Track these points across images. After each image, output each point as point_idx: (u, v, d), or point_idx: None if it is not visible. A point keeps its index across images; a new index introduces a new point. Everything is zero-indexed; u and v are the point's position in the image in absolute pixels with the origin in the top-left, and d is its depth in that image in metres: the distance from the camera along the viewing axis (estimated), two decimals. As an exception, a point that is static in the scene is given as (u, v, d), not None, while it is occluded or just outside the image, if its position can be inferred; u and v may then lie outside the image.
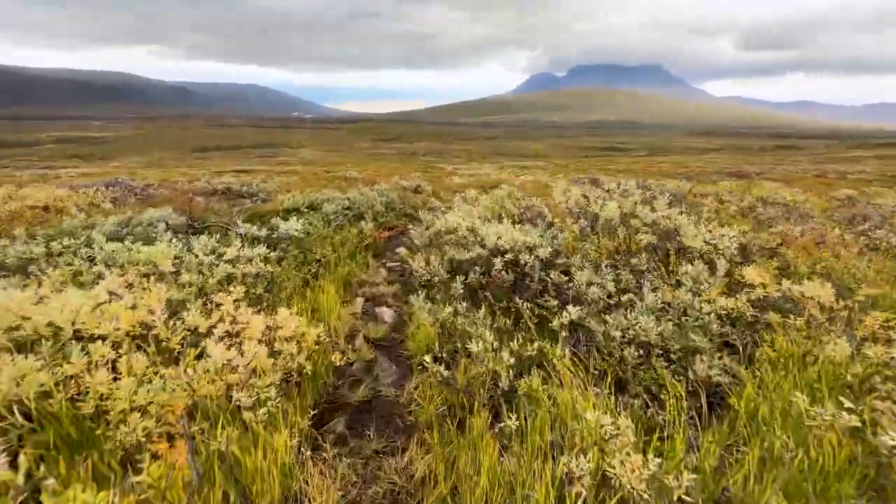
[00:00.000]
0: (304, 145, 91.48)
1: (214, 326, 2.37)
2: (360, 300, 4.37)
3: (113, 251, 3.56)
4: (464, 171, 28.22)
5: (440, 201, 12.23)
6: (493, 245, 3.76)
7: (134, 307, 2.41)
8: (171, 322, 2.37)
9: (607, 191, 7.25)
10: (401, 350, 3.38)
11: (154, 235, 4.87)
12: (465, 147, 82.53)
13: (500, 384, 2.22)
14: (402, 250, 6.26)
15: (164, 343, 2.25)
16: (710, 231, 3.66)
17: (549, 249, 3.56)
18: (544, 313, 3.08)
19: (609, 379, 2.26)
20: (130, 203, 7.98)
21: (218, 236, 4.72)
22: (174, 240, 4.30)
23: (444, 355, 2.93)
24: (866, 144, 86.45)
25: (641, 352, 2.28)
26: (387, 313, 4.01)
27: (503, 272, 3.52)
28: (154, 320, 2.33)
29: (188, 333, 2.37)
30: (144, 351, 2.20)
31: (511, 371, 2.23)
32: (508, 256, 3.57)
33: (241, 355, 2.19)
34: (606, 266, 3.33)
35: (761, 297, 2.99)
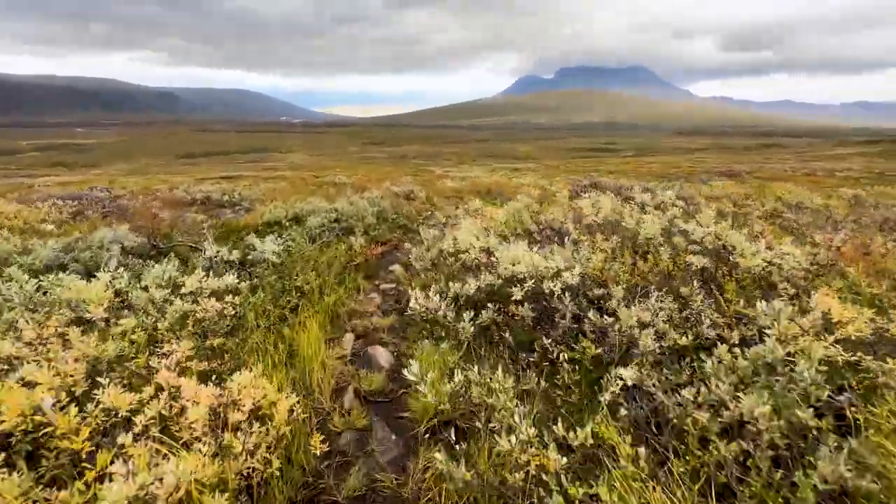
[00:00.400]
0: (293, 150, 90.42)
1: (141, 409, 1.70)
2: (349, 337, 3.69)
3: (38, 288, 2.83)
4: (455, 173, 27.62)
5: (434, 208, 11.57)
6: (509, 272, 3.10)
7: (31, 384, 1.72)
8: (81, 406, 1.69)
9: (627, 199, 6.64)
10: (401, 409, 2.70)
11: (107, 261, 4.15)
12: (455, 150, 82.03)
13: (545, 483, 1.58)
14: (397, 269, 5.65)
15: (61, 444, 1.55)
16: (769, 248, 3.03)
17: (578, 275, 2.92)
18: (581, 358, 2.45)
19: (699, 482, 1.62)
20: (93, 218, 7.18)
21: (180, 262, 4.02)
22: (124, 268, 3.56)
23: (459, 421, 2.28)
24: (847, 142, 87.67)
25: (742, 445, 1.63)
26: (382, 355, 3.34)
27: (523, 306, 2.88)
28: (54, 402, 1.64)
29: (104, 422, 1.69)
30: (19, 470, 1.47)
31: (561, 473, 1.58)
32: (530, 284, 2.90)
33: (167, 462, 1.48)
34: (654, 296, 2.68)
35: (852, 336, 2.39)
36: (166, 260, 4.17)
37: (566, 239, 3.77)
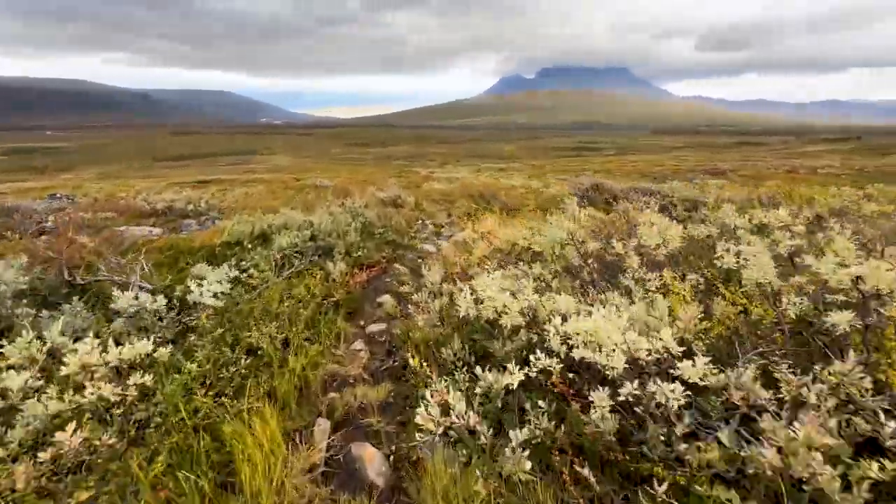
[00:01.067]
0: (275, 151, 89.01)
1: None
2: (323, 426, 2.55)
3: None
4: (440, 174, 27.48)
5: (424, 214, 10.72)
6: (577, 350, 2.02)
7: None
8: None
9: (664, 208, 5.98)
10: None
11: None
12: (439, 150, 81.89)
13: None
14: (387, 301, 4.56)
15: None
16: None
17: (675, 347, 1.91)
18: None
19: None
20: (13, 240, 6.24)
21: (98, 305, 3.17)
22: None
23: None
24: (818, 140, 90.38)
25: None
26: (372, 463, 2.25)
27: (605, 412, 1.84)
28: None
29: None
30: None
31: None
32: (631, 388, 1.80)
33: None
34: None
35: None
36: (74, 306, 3.13)
37: (630, 282, 2.76)
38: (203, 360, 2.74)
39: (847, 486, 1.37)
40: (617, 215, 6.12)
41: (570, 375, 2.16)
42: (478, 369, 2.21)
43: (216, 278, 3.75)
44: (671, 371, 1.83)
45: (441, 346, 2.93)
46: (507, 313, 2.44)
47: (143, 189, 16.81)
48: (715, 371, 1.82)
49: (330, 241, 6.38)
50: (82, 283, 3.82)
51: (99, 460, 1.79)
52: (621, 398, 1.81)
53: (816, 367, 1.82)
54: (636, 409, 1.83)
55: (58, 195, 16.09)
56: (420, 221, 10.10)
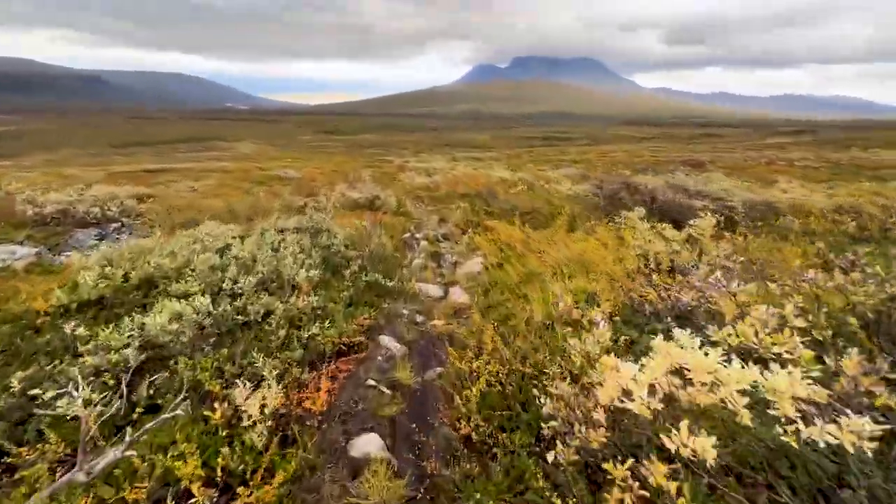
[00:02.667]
0: (241, 138, 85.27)
1: None
2: None
3: None
4: (415, 164, 26.40)
5: (411, 222, 9.09)
6: None
7: None
8: None
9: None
10: None
11: None
12: (412, 139, 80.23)
13: None
14: (373, 450, 2.50)
15: None
16: None
17: None
18: None
19: None
20: None
21: None
22: None
23: None
24: (777, 132, 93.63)
25: None
26: None
27: None
28: None
29: None
30: None
31: None
32: None
33: None
34: None
35: None
36: None
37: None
38: None
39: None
40: (711, 242, 4.86)
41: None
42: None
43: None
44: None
45: None
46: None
47: (84, 179, 14.79)
48: None
49: (271, 289, 3.90)
50: None
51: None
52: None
53: None
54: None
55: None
56: (408, 234, 8.26)
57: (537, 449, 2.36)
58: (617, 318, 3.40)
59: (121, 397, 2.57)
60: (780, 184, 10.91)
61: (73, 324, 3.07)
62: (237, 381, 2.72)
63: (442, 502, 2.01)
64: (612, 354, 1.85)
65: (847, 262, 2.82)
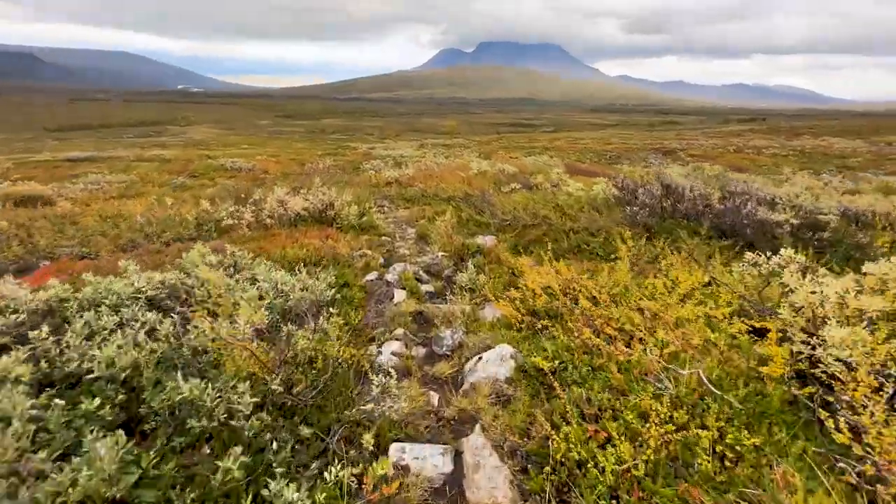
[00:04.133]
0: (193, 122, 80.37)
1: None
2: None
3: None
4: (380, 150, 25.12)
5: (375, 237, 7.00)
6: None
7: None
8: None
9: None
10: None
11: None
12: (376, 124, 77.96)
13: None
14: None
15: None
16: None
17: None
18: None
19: None
20: None
21: None
22: None
23: None
24: (731, 120, 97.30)
25: None
26: None
27: None
28: None
29: None
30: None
31: None
32: None
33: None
34: None
35: None
36: None
37: None
38: None
39: None
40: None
41: None
42: None
43: None
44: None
45: None
46: None
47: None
48: None
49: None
50: None
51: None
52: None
53: None
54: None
55: None
56: (375, 273, 5.38)
57: None
58: None
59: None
60: (784, 175, 10.42)
61: None
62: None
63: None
64: None
65: None
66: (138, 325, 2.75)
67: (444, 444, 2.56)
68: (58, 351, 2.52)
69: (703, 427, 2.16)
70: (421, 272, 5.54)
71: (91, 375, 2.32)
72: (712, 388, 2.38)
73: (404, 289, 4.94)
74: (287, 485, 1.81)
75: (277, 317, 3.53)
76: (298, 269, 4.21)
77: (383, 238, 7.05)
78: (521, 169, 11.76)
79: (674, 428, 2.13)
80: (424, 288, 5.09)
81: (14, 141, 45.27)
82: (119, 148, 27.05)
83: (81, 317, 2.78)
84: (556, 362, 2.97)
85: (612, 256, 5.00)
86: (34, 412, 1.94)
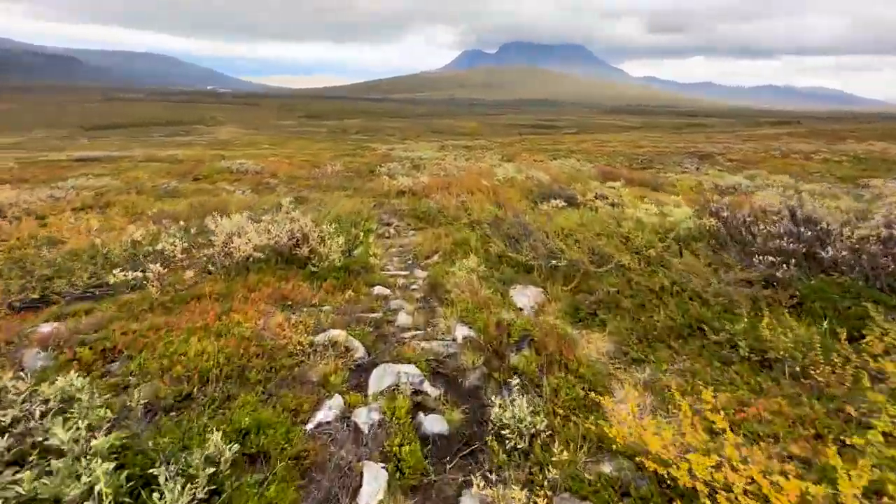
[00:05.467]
0: (222, 123, 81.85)
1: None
2: None
3: None
4: (400, 151, 24.56)
5: (372, 288, 5.02)
6: None
7: None
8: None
9: None
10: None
11: None
12: (397, 125, 77.80)
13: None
14: None
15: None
16: None
17: None
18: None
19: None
20: None
21: None
22: None
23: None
24: (762, 123, 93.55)
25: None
26: None
27: None
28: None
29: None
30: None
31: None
32: None
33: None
34: None
35: None
36: None
37: None
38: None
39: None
40: None
41: None
42: None
43: None
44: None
45: None
46: None
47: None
48: None
49: None
50: None
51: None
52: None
53: None
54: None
55: None
56: (337, 413, 2.87)
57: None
58: None
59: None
60: (873, 187, 9.05)
61: None
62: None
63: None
64: None
65: None
66: None
67: None
68: None
69: None
70: (426, 384, 3.18)
71: None
72: None
73: (384, 461, 2.46)
74: None
75: None
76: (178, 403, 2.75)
77: (376, 291, 4.88)
78: (555, 176, 10.54)
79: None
80: (430, 426, 2.79)
81: (51, 138, 46.60)
82: (138, 147, 27.18)
83: None
84: None
85: (769, 358, 3.04)
86: None
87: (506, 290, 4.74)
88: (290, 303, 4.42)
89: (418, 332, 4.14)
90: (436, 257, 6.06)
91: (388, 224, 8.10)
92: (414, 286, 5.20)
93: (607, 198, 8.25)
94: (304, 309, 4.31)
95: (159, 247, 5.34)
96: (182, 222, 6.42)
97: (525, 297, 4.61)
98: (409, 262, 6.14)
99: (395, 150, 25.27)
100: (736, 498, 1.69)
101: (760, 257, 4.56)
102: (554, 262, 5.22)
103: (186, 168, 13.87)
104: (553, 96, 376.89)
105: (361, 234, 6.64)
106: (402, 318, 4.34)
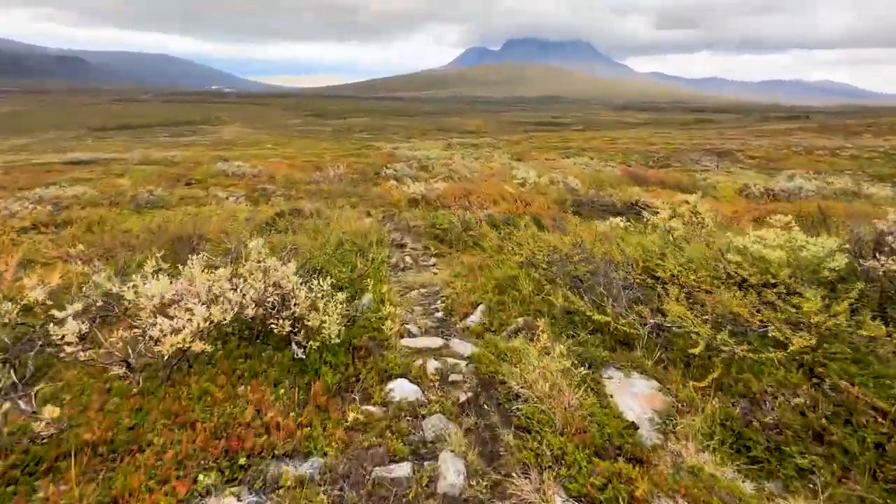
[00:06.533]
0: (227, 123, 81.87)
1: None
2: None
3: None
4: (405, 150, 24.01)
5: (385, 398, 2.96)
6: None
7: None
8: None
9: None
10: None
11: None
12: (402, 123, 77.28)
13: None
14: None
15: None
16: None
17: None
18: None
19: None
20: None
21: None
22: None
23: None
24: (770, 118, 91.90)
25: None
26: None
27: None
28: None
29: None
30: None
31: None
32: None
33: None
34: None
35: None
36: None
37: None
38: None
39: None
40: None
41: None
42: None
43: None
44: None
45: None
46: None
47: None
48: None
49: None
50: None
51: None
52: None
53: None
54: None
55: None
56: None
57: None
58: None
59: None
60: None
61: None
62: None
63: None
64: None
65: None
66: None
67: None
68: None
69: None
70: None
71: None
72: None
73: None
74: None
75: None
76: None
77: (397, 393, 3.09)
78: (584, 180, 9.48)
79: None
80: None
81: (60, 140, 46.53)
82: (140, 148, 26.80)
83: None
84: None
85: None
86: None
87: (598, 380, 3.11)
88: (245, 454, 2.41)
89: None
90: (478, 312, 4.29)
91: (402, 246, 6.69)
92: (455, 375, 3.34)
93: (677, 213, 6.11)
94: (269, 470, 2.36)
95: (67, 311, 3.07)
96: (123, 260, 4.91)
97: (634, 398, 2.97)
98: (440, 316, 4.43)
99: (401, 149, 24.72)
100: None
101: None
102: (663, 330, 3.46)
103: (180, 171, 13.28)
104: (558, 93, 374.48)
105: (370, 267, 5.18)
106: (451, 478, 2.33)
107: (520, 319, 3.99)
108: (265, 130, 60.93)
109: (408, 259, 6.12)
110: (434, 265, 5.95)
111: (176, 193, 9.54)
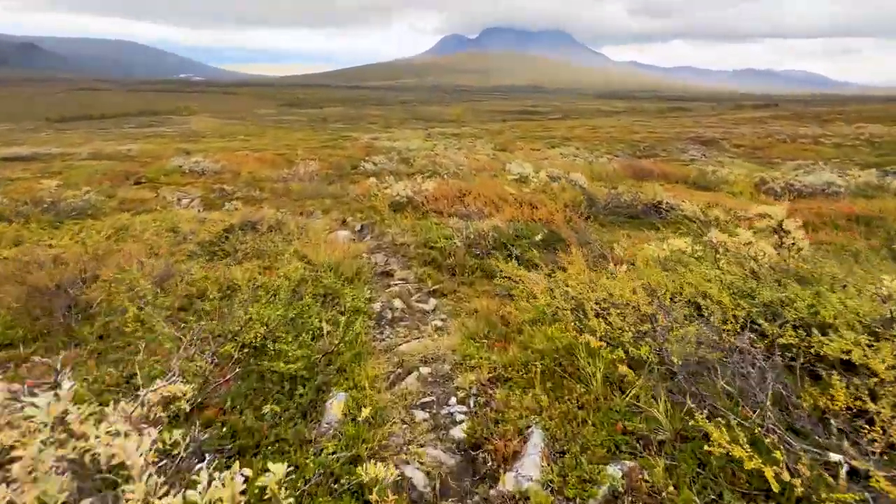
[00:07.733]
0: (195, 112, 78.62)
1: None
2: None
3: None
4: (384, 141, 23.07)
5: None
6: None
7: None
8: None
9: None
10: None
11: None
12: (379, 112, 75.55)
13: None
14: None
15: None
16: None
17: None
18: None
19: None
20: None
21: None
22: None
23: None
24: (744, 106, 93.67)
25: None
26: None
27: None
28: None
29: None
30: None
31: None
32: None
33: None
34: None
35: None
36: None
37: None
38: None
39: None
40: None
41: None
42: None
43: None
44: None
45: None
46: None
47: None
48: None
49: None
50: None
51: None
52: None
53: None
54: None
55: None
56: None
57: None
58: None
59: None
60: None
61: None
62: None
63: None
64: None
65: None
66: None
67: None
68: None
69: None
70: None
71: None
72: None
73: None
74: None
75: None
76: None
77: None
78: (591, 175, 8.42)
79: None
80: None
81: (16, 131, 43.52)
82: (98, 140, 25.00)
83: None
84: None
85: None
86: None
87: None
88: None
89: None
90: (531, 448, 2.34)
91: (387, 274, 5.20)
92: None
93: (756, 229, 4.49)
94: None
95: None
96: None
97: None
98: (459, 440, 2.58)
99: (380, 140, 23.75)
100: None
101: None
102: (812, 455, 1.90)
103: (131, 168, 11.78)
104: (536, 82, 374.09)
105: (342, 332, 3.40)
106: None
107: (614, 468, 2.11)
108: (237, 121, 58.57)
109: (397, 303, 4.46)
110: (435, 310, 4.39)
111: (118, 196, 8.16)
